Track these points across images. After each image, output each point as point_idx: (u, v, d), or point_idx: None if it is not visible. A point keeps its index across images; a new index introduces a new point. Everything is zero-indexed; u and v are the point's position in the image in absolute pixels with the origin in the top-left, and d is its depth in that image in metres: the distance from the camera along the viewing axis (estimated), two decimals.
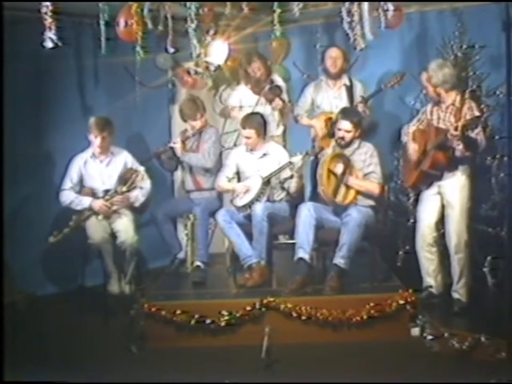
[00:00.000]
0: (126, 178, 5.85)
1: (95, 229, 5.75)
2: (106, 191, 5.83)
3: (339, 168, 5.41)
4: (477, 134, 4.94)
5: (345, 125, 5.46)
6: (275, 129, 6.44)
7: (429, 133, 5.16)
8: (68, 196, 5.83)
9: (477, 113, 4.91)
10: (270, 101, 6.32)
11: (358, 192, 5.45)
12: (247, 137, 5.80)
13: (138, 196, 5.90)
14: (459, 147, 4.95)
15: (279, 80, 6.50)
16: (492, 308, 5.01)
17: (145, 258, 6.31)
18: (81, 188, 5.92)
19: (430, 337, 4.82)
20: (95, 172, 5.92)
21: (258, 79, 6.35)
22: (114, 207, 5.79)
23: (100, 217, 5.77)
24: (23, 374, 4.36)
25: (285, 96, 6.43)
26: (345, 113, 5.59)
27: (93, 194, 5.87)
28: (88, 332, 5.29)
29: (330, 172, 5.40)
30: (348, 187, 5.42)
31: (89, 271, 5.94)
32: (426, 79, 5.24)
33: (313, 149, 5.96)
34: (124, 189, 5.79)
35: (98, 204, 5.76)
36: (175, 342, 5.06)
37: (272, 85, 6.35)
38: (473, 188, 5.19)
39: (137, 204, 5.92)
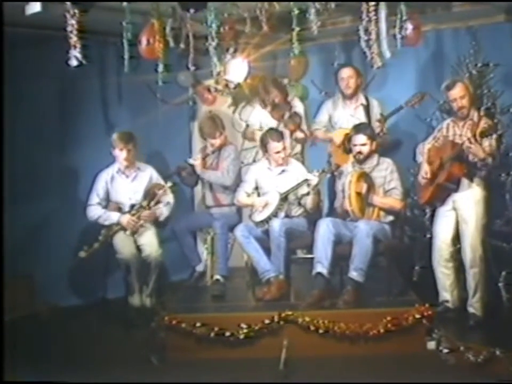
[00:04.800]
0: (152, 193, 5.93)
1: (124, 244, 5.80)
2: (133, 206, 5.91)
3: (363, 187, 5.45)
4: (490, 145, 4.98)
5: (360, 139, 5.53)
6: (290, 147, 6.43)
7: (444, 148, 5.19)
8: (95, 211, 5.91)
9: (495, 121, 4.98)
10: (291, 132, 6.39)
11: (381, 209, 5.52)
12: (284, 148, 5.86)
13: (163, 210, 5.99)
14: (474, 157, 4.99)
15: (297, 104, 6.56)
16: (507, 322, 5.05)
17: (166, 272, 6.37)
18: (108, 202, 6.00)
19: (445, 350, 4.84)
20: (122, 187, 5.99)
21: (277, 105, 6.41)
22: (141, 222, 5.86)
23: (128, 232, 5.84)
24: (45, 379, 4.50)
25: (303, 125, 6.50)
26: (358, 128, 5.65)
27: (119, 209, 5.95)
28: (109, 343, 5.30)
29: (356, 192, 5.44)
30: (373, 205, 5.50)
31: (111, 284, 6.03)
32: (462, 89, 5.14)
33: (329, 166, 6.00)
34: (151, 203, 5.88)
35: (126, 219, 5.83)
36: (195, 354, 5.09)
37: (291, 112, 6.39)
38: (488, 203, 5.20)
39: (162, 218, 6.00)
